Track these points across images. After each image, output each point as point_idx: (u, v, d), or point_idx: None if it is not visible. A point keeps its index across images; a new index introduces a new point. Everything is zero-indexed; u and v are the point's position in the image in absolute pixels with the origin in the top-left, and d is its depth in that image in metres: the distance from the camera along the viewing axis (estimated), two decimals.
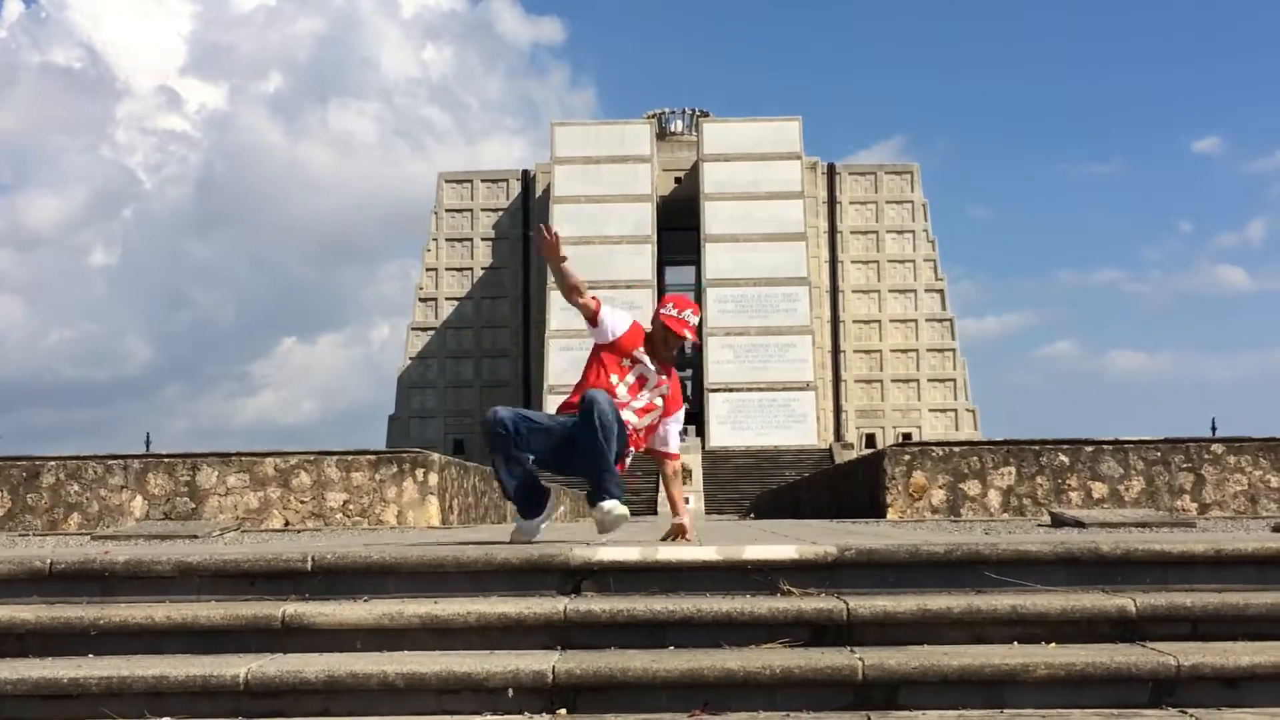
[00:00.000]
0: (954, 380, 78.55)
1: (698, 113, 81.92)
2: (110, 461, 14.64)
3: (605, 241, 71.85)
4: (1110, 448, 14.26)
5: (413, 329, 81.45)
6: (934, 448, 14.58)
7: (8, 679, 4.50)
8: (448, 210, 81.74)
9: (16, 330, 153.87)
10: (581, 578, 5.14)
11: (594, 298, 6.51)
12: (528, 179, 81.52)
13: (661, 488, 8.81)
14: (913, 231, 79.88)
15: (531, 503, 6.45)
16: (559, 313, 69.09)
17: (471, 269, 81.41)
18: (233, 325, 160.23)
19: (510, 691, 4.43)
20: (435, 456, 14.75)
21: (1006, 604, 4.89)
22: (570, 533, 9.72)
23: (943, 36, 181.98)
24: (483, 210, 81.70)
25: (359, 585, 5.16)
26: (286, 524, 14.02)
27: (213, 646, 4.83)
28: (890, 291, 79.38)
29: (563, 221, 72.62)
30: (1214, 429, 52.29)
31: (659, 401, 6.49)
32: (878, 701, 4.44)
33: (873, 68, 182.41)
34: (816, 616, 4.84)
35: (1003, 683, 4.45)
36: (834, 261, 79.35)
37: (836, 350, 78.31)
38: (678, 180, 78.14)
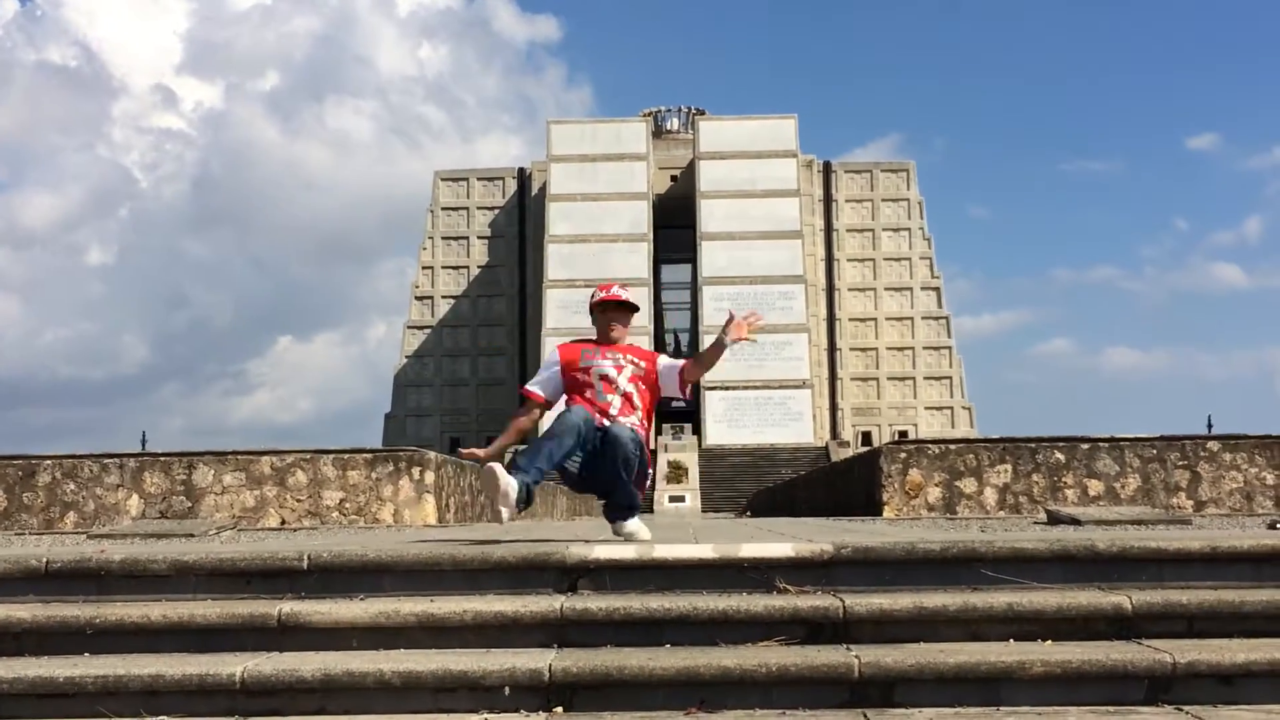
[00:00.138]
0: (950, 378, 78.57)
1: (694, 111, 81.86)
2: (106, 460, 14.60)
3: (601, 239, 71.90)
4: (1106, 445, 14.27)
5: (409, 327, 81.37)
6: (930, 445, 14.58)
7: (4, 678, 4.50)
8: (444, 208, 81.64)
9: (12, 329, 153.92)
10: (578, 576, 5.15)
11: (533, 407, 6.61)
12: (524, 177, 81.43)
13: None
14: (909, 229, 79.87)
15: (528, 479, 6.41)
16: (555, 311, 69.13)
17: (468, 267, 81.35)
18: (229, 324, 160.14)
19: (507, 690, 4.43)
20: (431, 455, 14.73)
21: (1003, 601, 4.90)
22: (568, 531, 9.71)
23: (939, 35, 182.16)
24: (479, 208, 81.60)
25: (355, 584, 5.16)
26: (283, 523, 14.00)
27: (209, 645, 4.83)
28: (886, 289, 79.38)
29: (559, 219, 72.71)
30: (1210, 426, 52.47)
31: (638, 372, 6.49)
32: (874, 699, 4.44)
33: (868, 66, 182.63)
34: (813, 614, 4.84)
35: (999, 680, 4.46)
36: (830, 259, 79.34)
37: (833, 348, 78.33)
38: (674, 178, 78.06)
